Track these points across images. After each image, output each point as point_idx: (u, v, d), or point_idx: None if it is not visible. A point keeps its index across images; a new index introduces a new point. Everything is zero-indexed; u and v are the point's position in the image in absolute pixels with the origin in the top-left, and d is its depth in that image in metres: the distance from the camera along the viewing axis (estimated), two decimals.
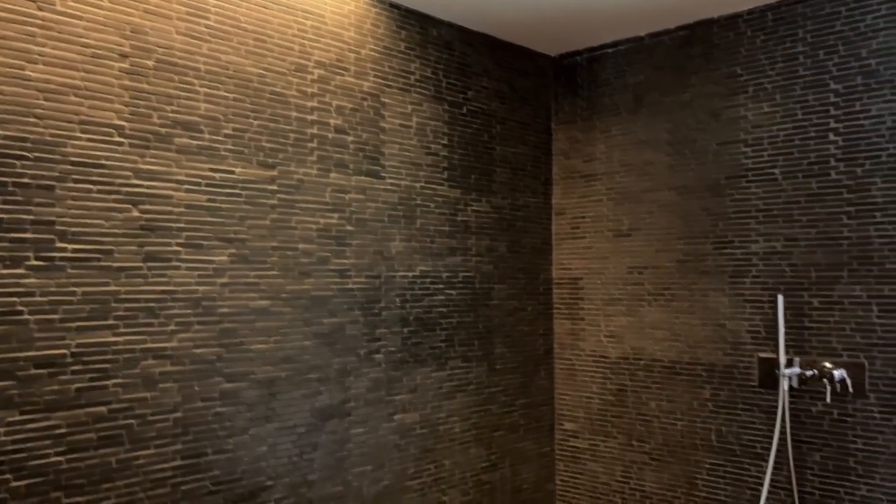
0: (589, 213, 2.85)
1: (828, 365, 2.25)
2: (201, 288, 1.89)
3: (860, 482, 2.20)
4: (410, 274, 2.43)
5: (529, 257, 2.87)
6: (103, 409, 1.71)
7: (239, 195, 1.97)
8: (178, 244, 1.85)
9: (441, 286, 2.53)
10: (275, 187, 2.05)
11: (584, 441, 2.85)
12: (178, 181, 1.85)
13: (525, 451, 2.82)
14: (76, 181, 1.68)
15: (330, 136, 2.19)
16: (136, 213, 1.77)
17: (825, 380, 2.24)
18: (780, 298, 2.31)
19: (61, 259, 1.65)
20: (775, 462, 2.35)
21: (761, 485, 2.36)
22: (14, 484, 1.57)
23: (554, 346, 2.95)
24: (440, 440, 2.51)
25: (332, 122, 2.20)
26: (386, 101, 2.35)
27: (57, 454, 1.63)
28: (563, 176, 2.94)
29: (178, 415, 1.84)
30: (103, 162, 1.72)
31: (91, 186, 1.70)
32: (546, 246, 2.95)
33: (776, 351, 2.34)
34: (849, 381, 2.21)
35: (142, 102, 1.79)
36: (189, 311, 1.86)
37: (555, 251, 2.96)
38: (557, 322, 2.94)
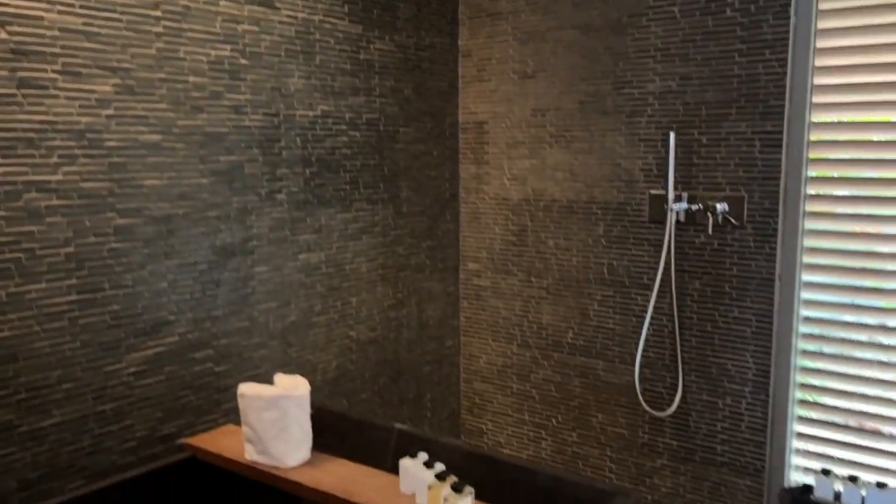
0: (495, 54, 2.83)
1: (712, 199, 2.38)
2: (84, 119, 1.80)
3: (733, 305, 2.40)
4: (311, 113, 2.38)
5: (435, 100, 2.85)
6: None
7: (119, 20, 1.85)
8: (54, 71, 1.74)
9: (344, 127, 2.50)
10: (159, 13, 1.93)
11: (487, 280, 2.97)
12: (48, 1, 1.71)
13: (430, 289, 2.92)
14: None
15: None
16: (4, 35, 1.64)
17: (709, 213, 2.37)
18: (672, 136, 2.39)
19: None
20: (659, 291, 2.52)
21: (646, 312, 2.54)
22: None
23: (459, 190, 3.00)
24: (346, 279, 2.56)
25: None
26: None
27: None
28: (470, 16, 2.87)
29: (70, 250, 1.80)
30: None
31: None
32: (452, 89, 2.93)
33: (666, 187, 2.45)
34: (729, 214, 2.36)
35: None
36: (73, 144, 1.79)
37: (461, 95, 2.94)
38: (463, 167, 2.98)
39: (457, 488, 1.42)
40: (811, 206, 2.27)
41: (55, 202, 1.76)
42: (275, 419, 1.71)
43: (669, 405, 2.54)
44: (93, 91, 1.81)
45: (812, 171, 2.26)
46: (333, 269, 2.51)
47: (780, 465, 2.37)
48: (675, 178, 2.44)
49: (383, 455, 2.00)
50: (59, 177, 1.76)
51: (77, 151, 1.79)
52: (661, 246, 2.51)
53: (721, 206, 2.35)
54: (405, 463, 1.58)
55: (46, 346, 1.78)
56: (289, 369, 2.38)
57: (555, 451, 2.84)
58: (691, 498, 2.54)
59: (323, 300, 2.49)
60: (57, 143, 1.75)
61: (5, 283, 1.69)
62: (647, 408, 2.51)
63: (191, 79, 2.02)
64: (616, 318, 2.65)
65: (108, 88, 1.84)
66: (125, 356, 1.94)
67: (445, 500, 1.40)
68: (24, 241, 1.72)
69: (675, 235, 2.47)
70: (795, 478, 2.39)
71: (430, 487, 1.46)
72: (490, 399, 3.02)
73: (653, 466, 2.61)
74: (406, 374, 2.84)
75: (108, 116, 1.85)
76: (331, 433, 2.06)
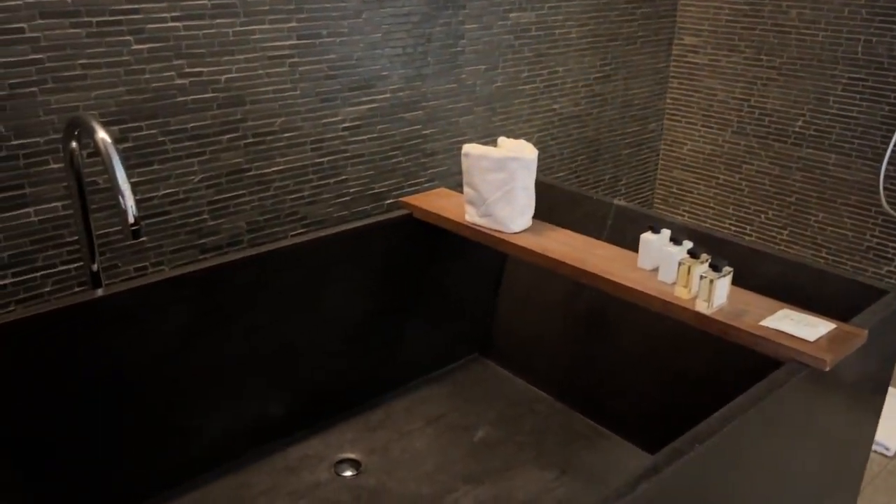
0: None
1: None
2: None
3: None
4: None
5: None
6: None
7: None
8: None
9: None
10: None
11: (705, 56, 2.64)
12: None
13: (639, 64, 2.65)
14: None
15: None
16: None
17: None
18: None
19: None
20: None
21: None
22: (136, 46, 1.51)
23: None
24: (555, 45, 2.34)
25: None
26: None
27: (173, 19, 1.54)
28: None
29: None
30: None
31: None
32: None
33: None
34: None
35: None
36: None
37: None
38: None
39: (715, 267, 1.29)
40: None
41: None
42: (501, 181, 1.62)
43: None
44: None
45: None
46: (543, 32, 2.29)
47: None
48: None
49: (600, 230, 1.90)
50: None
51: None
52: None
53: None
54: (647, 237, 1.45)
55: (270, 92, 1.73)
56: (491, 140, 2.27)
57: None
58: None
59: (530, 67, 2.30)
60: None
61: (230, 20, 1.62)
62: (887, 208, 2.23)
63: None
64: (863, 106, 2.30)
65: None
66: (341, 109, 1.88)
67: (703, 277, 1.28)
68: None
69: None
70: None
71: (681, 263, 1.34)
72: (690, 189, 2.82)
73: (876, 273, 2.38)
74: (605, 154, 2.67)
75: None
76: (543, 204, 1.97)
